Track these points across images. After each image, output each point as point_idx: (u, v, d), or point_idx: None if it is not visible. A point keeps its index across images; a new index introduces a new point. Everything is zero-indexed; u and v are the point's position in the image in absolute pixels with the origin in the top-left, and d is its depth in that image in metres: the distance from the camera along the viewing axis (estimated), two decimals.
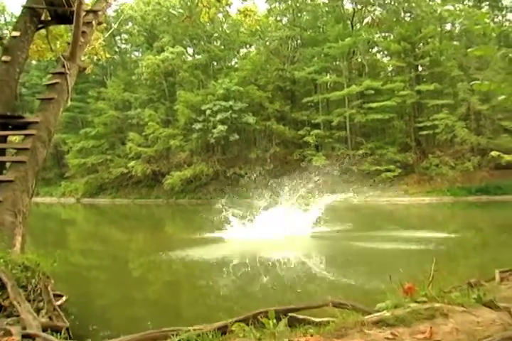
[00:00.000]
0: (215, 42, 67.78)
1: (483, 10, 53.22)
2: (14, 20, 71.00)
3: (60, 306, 6.76)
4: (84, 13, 10.66)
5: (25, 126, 9.50)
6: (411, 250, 17.03)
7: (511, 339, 4.45)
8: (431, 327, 4.55)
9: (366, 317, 4.84)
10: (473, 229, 25.72)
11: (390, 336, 4.47)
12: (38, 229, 25.59)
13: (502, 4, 56.49)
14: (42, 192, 65.51)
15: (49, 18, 11.81)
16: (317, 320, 5.21)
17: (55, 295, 6.81)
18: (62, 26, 14.00)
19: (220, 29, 67.05)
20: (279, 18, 64.20)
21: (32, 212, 9.01)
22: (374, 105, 51.33)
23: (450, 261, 13.47)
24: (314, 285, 12.86)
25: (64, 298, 7.31)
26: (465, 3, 55.71)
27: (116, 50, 72.54)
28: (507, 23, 57.33)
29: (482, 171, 48.34)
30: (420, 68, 56.49)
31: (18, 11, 72.61)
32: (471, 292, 5.57)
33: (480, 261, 15.53)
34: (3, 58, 10.06)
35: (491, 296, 5.29)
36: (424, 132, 51.67)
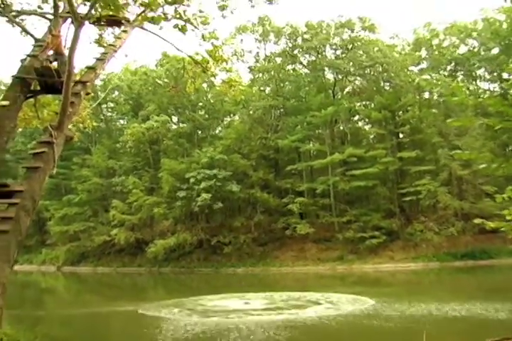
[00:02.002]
0: (199, 111, 68.93)
1: (458, 79, 55.22)
2: (2, 88, 72.38)
3: None
4: (73, 84, 10.78)
5: (9, 194, 9.38)
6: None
7: None
8: None
9: None
10: (461, 295, 25.49)
11: None
12: (17, 299, 24.83)
13: (475, 73, 58.77)
14: (21, 259, 64.01)
15: (38, 88, 11.94)
16: None
17: None
18: (50, 96, 14.17)
19: (205, 98, 68.33)
20: (262, 88, 65.71)
21: (10, 281, 8.77)
22: (357, 172, 51.73)
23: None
24: None
25: None
26: (441, 72, 57.77)
27: (102, 118, 73.28)
28: (480, 91, 59.36)
29: (466, 236, 48.45)
30: (401, 135, 57.50)
31: (6, 80, 73.99)
32: None
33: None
34: None
35: None
36: (408, 198, 51.86)
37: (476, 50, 58.19)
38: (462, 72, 59.24)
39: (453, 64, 58.76)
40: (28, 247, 67.27)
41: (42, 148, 10.21)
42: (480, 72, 59.52)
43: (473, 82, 60.97)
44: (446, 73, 58.19)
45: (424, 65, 60.17)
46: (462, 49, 58.74)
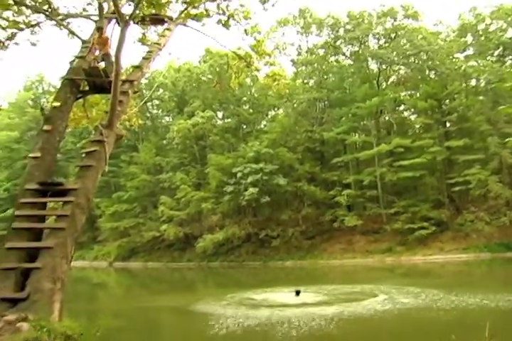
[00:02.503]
0: (244, 106, 69.14)
1: (507, 64, 53.73)
2: (52, 89, 74.16)
3: None
4: (120, 83, 11.01)
5: (64, 192, 9.67)
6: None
7: None
8: None
9: None
10: None
11: None
12: (71, 294, 25.48)
13: None
14: (74, 255, 65.25)
15: (87, 88, 12.25)
16: None
17: None
18: (98, 95, 14.50)
19: (249, 93, 68.50)
20: (306, 81, 65.42)
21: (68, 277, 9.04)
22: (404, 163, 51.07)
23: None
24: None
25: None
26: (488, 58, 56.18)
27: (148, 115, 74.31)
28: None
29: None
30: (448, 124, 56.44)
31: (55, 80, 75.88)
32: None
33: None
34: (45, 127, 10.39)
35: None
36: (457, 188, 50.89)
37: None
38: (511, 57, 57.41)
39: (501, 49, 56.80)
40: (81, 243, 68.67)
41: (94, 147, 10.48)
42: None
43: None
44: (493, 59, 56.43)
45: (470, 51, 58.53)
46: (510, 33, 56.89)
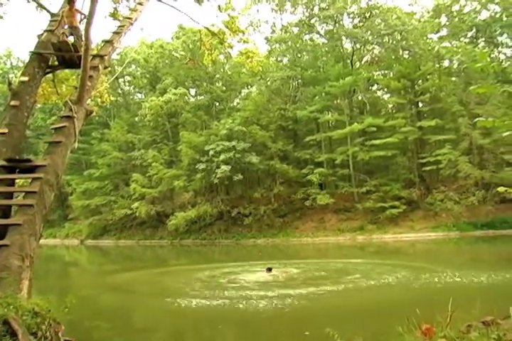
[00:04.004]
0: (217, 84, 68.63)
1: (479, 46, 54.04)
2: (20, 64, 72.66)
3: None
4: (90, 58, 10.80)
5: (33, 169, 9.52)
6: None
7: None
8: None
9: None
10: (482, 264, 25.45)
11: None
12: (43, 271, 25.36)
13: (497, 40, 57.29)
14: (45, 233, 64.92)
15: (56, 63, 11.99)
16: None
17: None
18: (68, 70, 14.23)
19: (222, 70, 67.99)
20: (279, 59, 65.28)
21: (37, 254, 8.95)
22: (376, 142, 51.40)
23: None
24: None
25: None
26: (461, 40, 56.53)
27: (120, 92, 73.52)
28: (502, 57, 58.10)
29: (487, 205, 48.12)
30: (421, 104, 56.73)
31: (24, 55, 74.31)
32: (490, 331, 5.44)
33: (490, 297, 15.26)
34: (12, 103, 10.17)
35: (511, 336, 5.17)
36: (428, 168, 51.56)
37: (498, 15, 56.65)
38: (483, 39, 57.67)
39: (474, 30, 57.09)
40: (52, 221, 68.32)
41: (63, 123, 10.32)
42: (502, 38, 58.07)
43: (495, 49, 59.56)
44: (466, 40, 56.73)
45: (444, 32, 58.63)
46: (484, 14, 57.05)
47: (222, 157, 53.16)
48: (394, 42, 59.40)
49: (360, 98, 60.59)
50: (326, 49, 64.26)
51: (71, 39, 11.99)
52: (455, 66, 57.06)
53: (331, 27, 62.78)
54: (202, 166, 55.02)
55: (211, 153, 54.17)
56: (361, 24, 60.24)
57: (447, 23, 57.79)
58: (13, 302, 6.35)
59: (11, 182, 9.58)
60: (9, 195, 9.42)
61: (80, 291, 21.39)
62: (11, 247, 8.06)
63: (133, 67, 72.50)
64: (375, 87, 64.62)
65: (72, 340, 7.24)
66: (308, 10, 61.80)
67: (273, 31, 64.38)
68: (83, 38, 10.30)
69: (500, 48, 59.40)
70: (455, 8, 57.28)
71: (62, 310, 6.81)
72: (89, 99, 12.34)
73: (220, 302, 16.77)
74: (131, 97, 79.11)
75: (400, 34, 57.08)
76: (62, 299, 7.21)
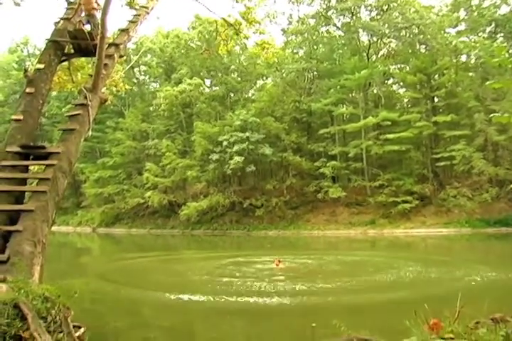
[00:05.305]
0: (232, 74, 68.54)
1: (498, 41, 53.40)
2: (37, 52, 73.02)
3: (79, 337, 6.72)
4: (106, 46, 10.82)
5: (46, 156, 9.57)
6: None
7: None
8: None
9: None
10: (494, 261, 25.29)
11: None
12: (55, 258, 25.53)
13: None
14: (58, 221, 65.45)
15: (72, 51, 12.02)
16: None
17: (74, 327, 6.77)
18: (84, 58, 14.26)
19: (238, 61, 67.83)
20: (295, 51, 64.97)
21: (49, 241, 9.01)
22: (391, 136, 51.14)
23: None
24: None
25: (82, 330, 7.24)
26: (480, 34, 55.92)
27: (135, 81, 73.55)
28: None
29: (500, 202, 47.88)
30: (436, 99, 56.36)
31: (41, 43, 74.57)
32: (498, 328, 5.42)
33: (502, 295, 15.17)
34: (28, 90, 10.22)
35: None
36: (442, 163, 51.30)
37: None
38: (502, 34, 56.92)
39: (493, 25, 56.32)
40: (65, 209, 68.85)
41: (77, 111, 10.36)
42: None
43: None
44: (485, 35, 56.05)
45: (462, 26, 58.03)
46: (503, 9, 56.40)
47: (235, 148, 53.22)
48: (411, 35, 58.83)
49: (375, 92, 60.21)
50: (343, 42, 63.92)
51: (87, 27, 12.01)
52: (472, 61, 56.52)
53: (347, 19, 62.31)
54: (215, 157, 55.14)
55: (225, 143, 54.24)
56: (378, 17, 59.75)
57: (466, 18, 57.16)
58: (24, 286, 6.42)
59: (25, 169, 9.64)
60: (23, 182, 9.49)
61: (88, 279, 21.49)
62: (23, 233, 8.13)
63: (148, 56, 72.49)
64: (390, 81, 64.23)
65: (82, 325, 7.31)
66: (326, 2, 61.35)
67: (289, 23, 64.03)
68: (99, 26, 10.33)
69: None
70: (474, 2, 56.66)
71: (72, 296, 6.88)
72: (104, 88, 12.36)
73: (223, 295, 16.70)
74: (146, 87, 79.17)
75: (418, 28, 56.51)
76: (72, 284, 7.27)
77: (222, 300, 15.64)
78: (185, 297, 16.18)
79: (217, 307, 15.19)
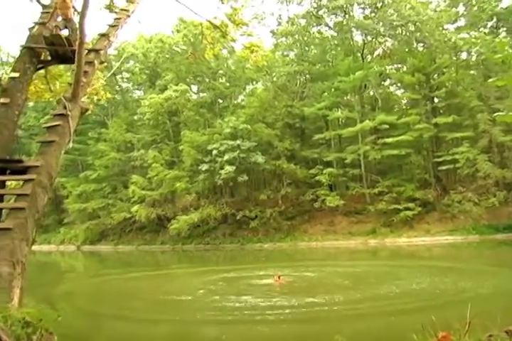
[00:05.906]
0: (220, 79, 68.58)
1: (500, 36, 53.64)
2: (11, 59, 72.79)
3: None
4: (85, 52, 10.77)
5: (24, 170, 9.47)
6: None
7: None
8: None
9: None
10: (505, 269, 25.27)
11: None
12: (36, 280, 25.32)
13: None
14: (39, 239, 64.95)
15: (49, 58, 11.94)
16: None
17: None
18: (62, 66, 14.19)
19: (225, 65, 67.85)
20: (286, 53, 65.19)
21: (29, 261, 8.93)
22: (389, 140, 51.26)
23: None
24: None
25: None
26: (480, 30, 56.09)
27: (118, 89, 73.47)
28: None
29: (509, 207, 47.88)
30: (436, 100, 56.50)
31: (15, 51, 74.35)
32: None
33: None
34: (2, 100, 10.12)
35: None
36: (444, 167, 51.39)
37: None
38: (505, 29, 57.05)
39: (494, 20, 56.52)
40: (46, 227, 68.43)
41: (56, 121, 10.25)
42: None
43: None
44: (486, 30, 56.04)
45: (461, 22, 58.28)
46: (505, 2, 56.56)
47: (226, 157, 53.19)
48: (407, 33, 59.10)
49: (371, 94, 60.44)
50: (335, 42, 64.18)
51: (64, 32, 11.95)
52: (473, 58, 56.61)
53: (340, 18, 62.49)
54: (205, 167, 55.06)
55: (214, 152, 54.20)
56: (372, 15, 59.98)
57: (465, 13, 57.41)
58: (2, 311, 6.32)
59: (2, 184, 9.55)
60: None
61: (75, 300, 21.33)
62: (0, 253, 8.03)
63: (131, 62, 72.47)
64: (387, 82, 64.50)
65: None
66: (316, 0, 61.58)
67: (279, 24, 64.19)
68: (77, 31, 10.28)
69: None
70: None
71: (55, 320, 6.78)
72: (85, 97, 12.28)
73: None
74: (129, 95, 79.03)
75: (414, 25, 56.74)
76: (55, 308, 7.19)
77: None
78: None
79: None
